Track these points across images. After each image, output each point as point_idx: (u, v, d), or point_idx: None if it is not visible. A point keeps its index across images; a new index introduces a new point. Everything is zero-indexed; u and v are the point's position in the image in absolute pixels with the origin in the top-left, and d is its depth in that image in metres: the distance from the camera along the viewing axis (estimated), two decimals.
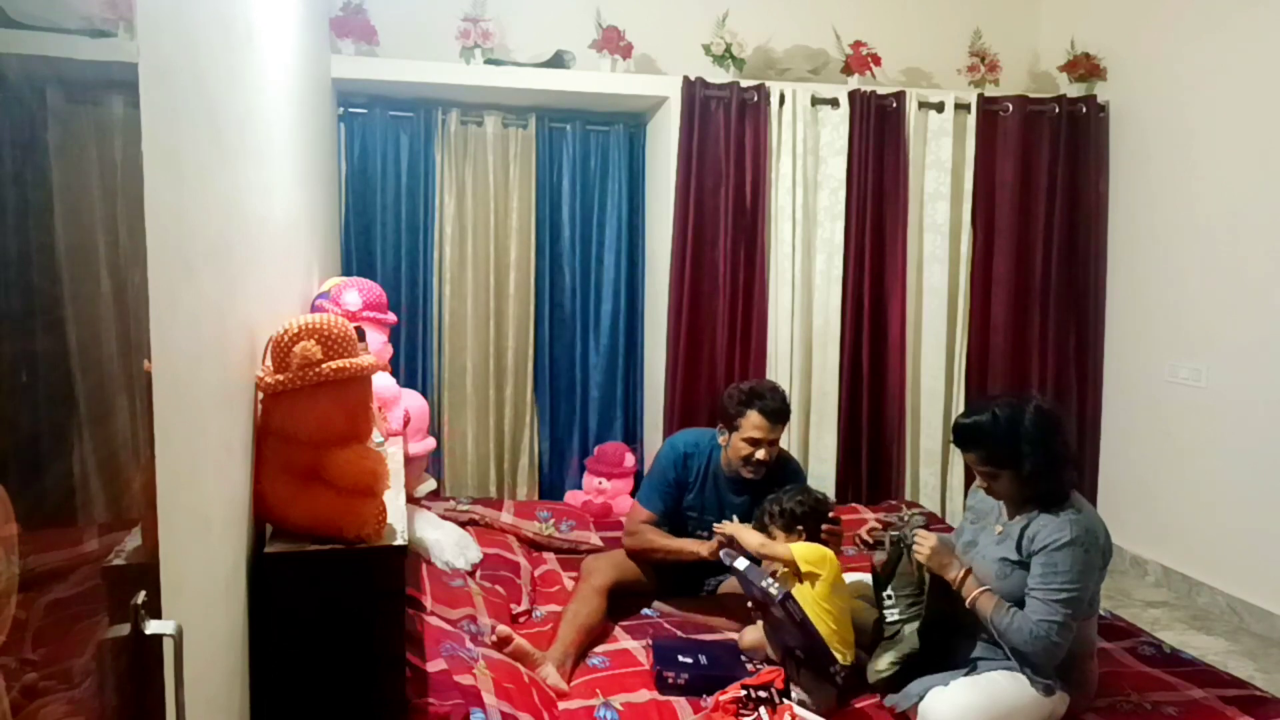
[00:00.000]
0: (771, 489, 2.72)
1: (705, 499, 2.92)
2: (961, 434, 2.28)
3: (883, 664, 2.36)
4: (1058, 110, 4.07)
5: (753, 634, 2.58)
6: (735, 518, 2.68)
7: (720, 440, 2.89)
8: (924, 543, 2.31)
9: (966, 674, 2.24)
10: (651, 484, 2.98)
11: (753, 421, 2.76)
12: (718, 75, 3.92)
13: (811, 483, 3.99)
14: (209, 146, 1.36)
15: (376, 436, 2.13)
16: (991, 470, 2.24)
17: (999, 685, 2.17)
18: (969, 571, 2.26)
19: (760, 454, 2.77)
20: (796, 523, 2.54)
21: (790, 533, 2.54)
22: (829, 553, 2.47)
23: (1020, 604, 2.18)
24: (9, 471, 0.66)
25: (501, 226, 4.07)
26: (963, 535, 2.47)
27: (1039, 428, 2.19)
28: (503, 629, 2.49)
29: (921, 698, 2.21)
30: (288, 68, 2.29)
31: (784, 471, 2.90)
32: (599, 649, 2.62)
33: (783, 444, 3.88)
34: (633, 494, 3.49)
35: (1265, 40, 3.38)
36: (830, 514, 2.62)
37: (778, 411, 2.78)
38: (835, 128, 3.94)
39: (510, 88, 3.77)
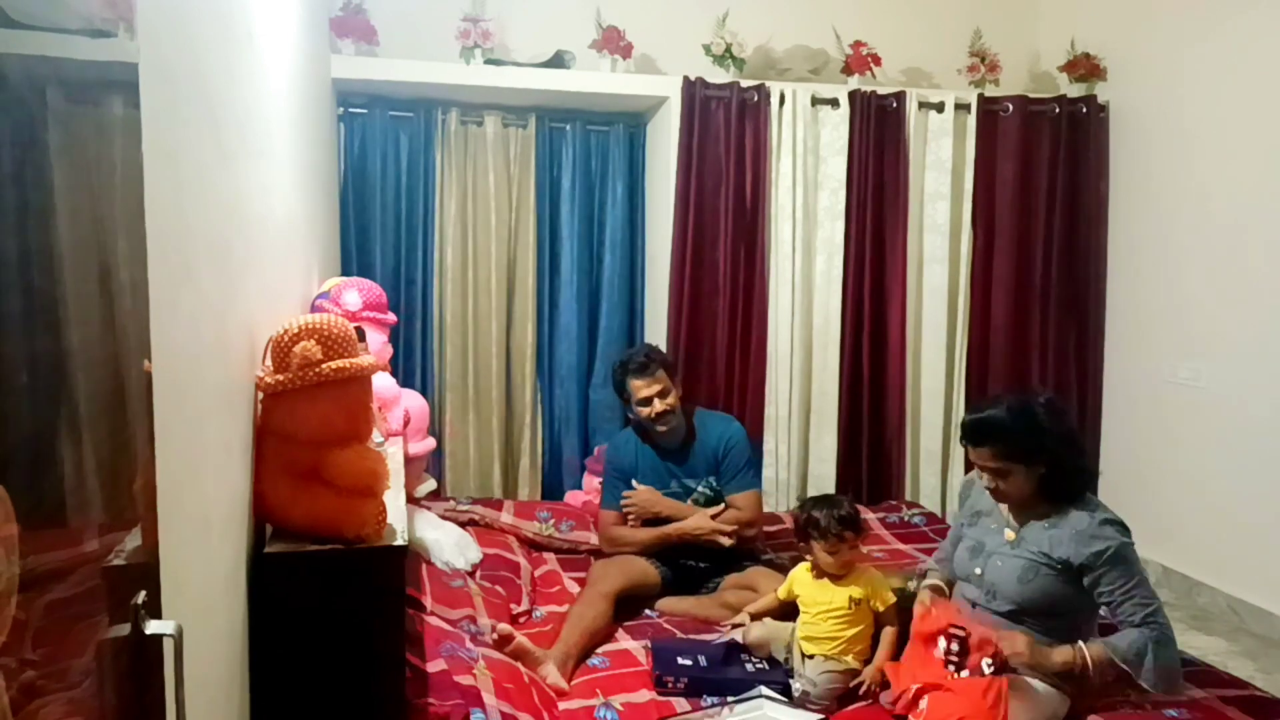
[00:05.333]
0: (700, 440, 3.08)
1: (652, 474, 3.10)
2: (976, 429, 2.21)
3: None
4: (1058, 110, 4.07)
5: (758, 630, 2.58)
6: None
7: (630, 417, 3.17)
8: (1015, 646, 2.10)
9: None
10: (605, 487, 3.19)
11: (635, 385, 3.04)
12: (718, 75, 3.92)
13: (811, 483, 4.04)
14: (209, 146, 1.36)
15: (376, 436, 2.13)
16: (1006, 466, 2.18)
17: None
18: (1076, 650, 2.11)
19: (657, 406, 3.01)
20: (846, 529, 2.48)
21: (843, 542, 2.47)
22: (880, 578, 2.49)
23: (1048, 604, 2.17)
24: (9, 471, 0.66)
25: (501, 226, 4.06)
26: (961, 539, 2.44)
27: (1055, 420, 2.19)
28: (504, 627, 2.49)
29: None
30: (288, 68, 2.29)
31: (708, 420, 3.16)
32: (599, 649, 2.62)
33: (783, 443, 3.95)
34: None
35: (1265, 40, 3.38)
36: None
37: (642, 366, 3.04)
38: (835, 128, 3.94)
39: (510, 88, 3.77)
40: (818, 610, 2.46)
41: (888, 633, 2.44)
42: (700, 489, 3.08)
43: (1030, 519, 2.25)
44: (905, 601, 2.48)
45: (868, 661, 2.42)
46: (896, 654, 2.40)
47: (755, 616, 2.63)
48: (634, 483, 3.09)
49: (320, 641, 1.69)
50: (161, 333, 1.03)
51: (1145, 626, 2.09)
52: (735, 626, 2.67)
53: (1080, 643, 2.11)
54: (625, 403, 3.16)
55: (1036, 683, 2.16)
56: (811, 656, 2.42)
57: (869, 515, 3.62)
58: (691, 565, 3.02)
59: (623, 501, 3.07)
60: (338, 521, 1.67)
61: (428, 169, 3.96)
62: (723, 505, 3.03)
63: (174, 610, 1.03)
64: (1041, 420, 2.18)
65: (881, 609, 2.46)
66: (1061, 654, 2.11)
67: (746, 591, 2.82)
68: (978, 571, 2.31)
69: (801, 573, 2.58)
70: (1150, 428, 3.91)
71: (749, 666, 2.51)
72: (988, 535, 2.34)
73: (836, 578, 2.48)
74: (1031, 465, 2.18)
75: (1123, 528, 2.17)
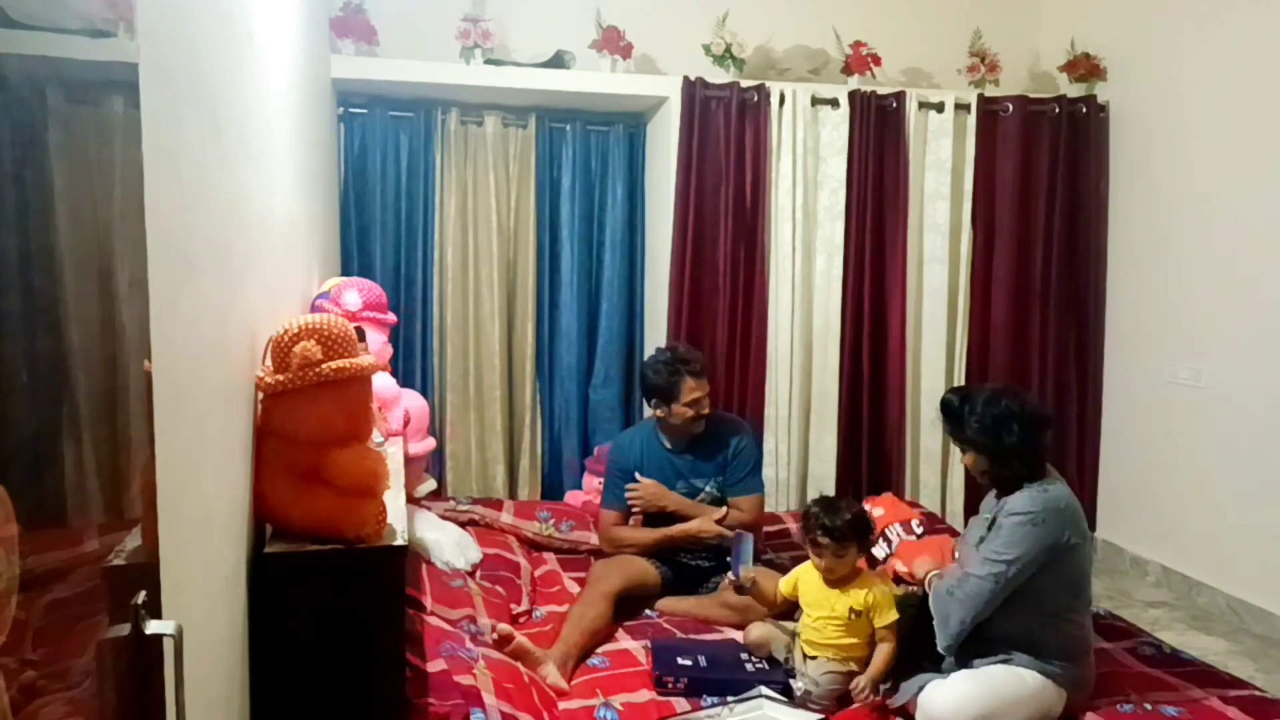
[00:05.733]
0: (710, 441, 3.06)
1: (659, 474, 3.09)
2: (940, 407, 2.48)
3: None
4: (1058, 110, 4.07)
5: (758, 630, 2.58)
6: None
7: (659, 414, 3.08)
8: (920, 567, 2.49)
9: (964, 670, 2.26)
10: (608, 487, 3.17)
11: (688, 386, 2.98)
12: (718, 75, 3.92)
13: (811, 483, 4.04)
14: (209, 146, 1.36)
15: (376, 436, 2.13)
16: (959, 444, 2.42)
17: (997, 679, 2.19)
18: (932, 578, 2.41)
19: (704, 409, 3.02)
20: (824, 536, 2.42)
21: (818, 547, 2.43)
22: (887, 594, 2.45)
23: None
24: (9, 471, 0.66)
25: (501, 227, 4.06)
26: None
27: (995, 422, 2.29)
28: (504, 627, 2.50)
29: (921, 689, 2.22)
30: (288, 68, 2.29)
31: (718, 421, 3.15)
32: (599, 649, 2.62)
33: (783, 443, 3.96)
34: None
35: (1265, 40, 3.38)
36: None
37: (702, 368, 3.04)
38: (835, 128, 3.94)
39: (510, 88, 3.77)
40: (819, 615, 2.45)
41: (883, 649, 2.38)
42: (708, 489, 3.08)
43: (998, 498, 2.38)
44: (905, 602, 2.48)
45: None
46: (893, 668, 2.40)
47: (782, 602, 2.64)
48: (637, 476, 3.09)
49: (320, 641, 1.69)
50: (161, 333, 1.03)
51: (959, 577, 2.27)
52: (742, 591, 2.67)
53: (934, 578, 2.38)
54: (663, 400, 3.03)
55: (1032, 677, 2.18)
56: (814, 657, 2.42)
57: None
58: (692, 564, 3.02)
59: (628, 494, 3.05)
60: (338, 521, 1.67)
61: (428, 169, 3.96)
62: (725, 508, 3.03)
63: (174, 610, 1.03)
64: (972, 414, 2.32)
65: (880, 625, 2.40)
66: (925, 569, 2.45)
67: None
68: (957, 555, 2.49)
69: (809, 571, 2.54)
70: (1150, 428, 3.91)
71: (749, 666, 2.51)
72: (976, 525, 2.44)
73: (834, 583, 2.45)
74: (976, 450, 2.34)
75: (1045, 509, 2.20)
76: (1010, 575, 2.19)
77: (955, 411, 2.38)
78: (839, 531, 2.41)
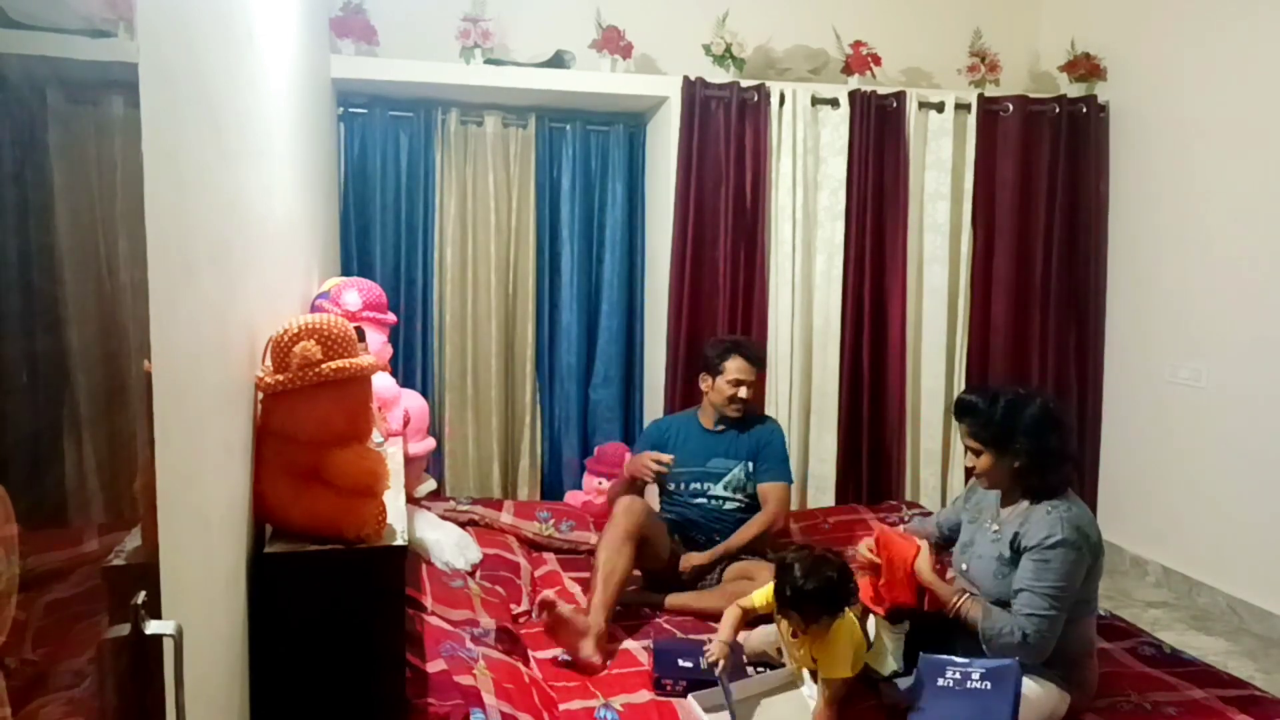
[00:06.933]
0: (746, 430, 3.19)
1: (687, 448, 3.19)
2: (958, 405, 2.39)
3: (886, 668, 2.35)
4: (1058, 110, 4.07)
5: (759, 637, 2.56)
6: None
7: (704, 387, 3.23)
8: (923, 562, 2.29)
9: None
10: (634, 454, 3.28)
11: (736, 365, 3.13)
12: (718, 75, 3.92)
13: (811, 483, 4.04)
14: (209, 146, 1.36)
15: (376, 436, 2.13)
16: (977, 445, 2.31)
17: None
18: (963, 592, 2.27)
19: (743, 392, 3.13)
20: (782, 604, 2.22)
21: (808, 620, 2.17)
22: (845, 649, 2.20)
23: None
24: (9, 471, 0.66)
25: (501, 227, 4.06)
26: (960, 533, 2.47)
27: (1037, 423, 2.24)
28: (547, 594, 2.57)
29: None
30: (288, 68, 2.29)
31: (761, 419, 3.30)
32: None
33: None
34: None
35: (1265, 40, 3.38)
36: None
37: (758, 357, 3.21)
38: (835, 128, 3.94)
39: (510, 88, 3.77)
40: (793, 647, 2.32)
41: (819, 709, 2.21)
42: (735, 472, 3.17)
43: (1011, 513, 2.31)
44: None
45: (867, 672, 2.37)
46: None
47: (747, 614, 2.58)
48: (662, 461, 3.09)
49: (320, 641, 1.69)
50: (161, 333, 1.03)
51: (1021, 621, 2.15)
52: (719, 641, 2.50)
53: (970, 596, 2.25)
54: (709, 372, 3.19)
55: (1035, 683, 2.17)
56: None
57: (869, 516, 3.62)
58: (699, 539, 3.11)
59: (653, 464, 3.05)
60: (338, 522, 1.67)
61: (428, 169, 3.96)
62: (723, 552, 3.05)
63: (174, 610, 1.03)
64: (1023, 419, 2.24)
65: (822, 676, 2.21)
66: (949, 591, 2.27)
67: (745, 581, 2.84)
68: (964, 568, 2.39)
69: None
70: (1150, 428, 3.91)
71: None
72: (980, 533, 2.39)
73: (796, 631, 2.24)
74: (1001, 454, 2.27)
75: (1079, 535, 2.16)
76: (1069, 602, 2.16)
77: (984, 413, 2.27)
78: (801, 605, 2.16)
